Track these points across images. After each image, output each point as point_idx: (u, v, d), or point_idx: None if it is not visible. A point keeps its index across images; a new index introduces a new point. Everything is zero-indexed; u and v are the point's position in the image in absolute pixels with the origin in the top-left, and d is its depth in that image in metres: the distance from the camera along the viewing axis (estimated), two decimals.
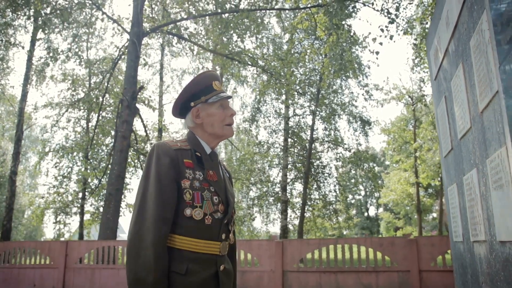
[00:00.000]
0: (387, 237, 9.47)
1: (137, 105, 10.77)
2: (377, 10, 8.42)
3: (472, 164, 2.74)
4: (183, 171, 1.61)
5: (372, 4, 8.83)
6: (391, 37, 7.90)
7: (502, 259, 2.22)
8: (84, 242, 9.14)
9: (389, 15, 8.11)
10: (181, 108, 1.77)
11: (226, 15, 11.19)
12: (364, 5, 8.55)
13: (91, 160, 16.00)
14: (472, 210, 2.80)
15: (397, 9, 10.16)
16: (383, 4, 8.39)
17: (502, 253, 2.21)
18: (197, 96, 1.72)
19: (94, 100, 12.42)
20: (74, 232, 22.75)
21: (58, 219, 17.89)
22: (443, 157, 3.85)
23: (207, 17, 11.68)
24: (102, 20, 11.75)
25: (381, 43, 7.96)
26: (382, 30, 7.98)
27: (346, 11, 8.27)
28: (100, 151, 15.77)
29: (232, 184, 1.88)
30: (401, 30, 8.71)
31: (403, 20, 10.28)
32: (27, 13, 13.20)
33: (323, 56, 12.80)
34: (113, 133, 15.11)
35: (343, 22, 8.61)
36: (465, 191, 2.96)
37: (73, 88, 15.36)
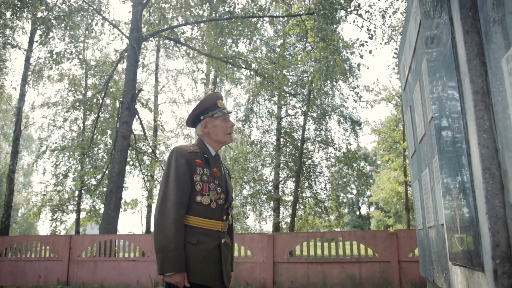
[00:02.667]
0: (369, 230, 10.11)
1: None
2: (363, 19, 9.03)
3: (426, 163, 3.34)
4: (195, 168, 2.18)
5: (358, 8, 9.40)
6: (370, 52, 8.54)
7: (442, 238, 2.82)
8: (87, 236, 9.65)
9: (369, 31, 8.76)
10: (193, 120, 2.35)
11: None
12: (351, 13, 9.15)
13: (87, 160, 16.43)
14: (427, 202, 3.41)
15: (383, 16, 10.80)
16: (363, 22, 8.98)
17: (442, 233, 2.81)
18: (205, 112, 2.30)
19: (94, 101, 12.89)
20: (69, 229, 23.14)
21: (55, 217, 18.22)
22: (410, 158, 4.47)
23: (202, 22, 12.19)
24: (102, 24, 12.22)
25: (361, 56, 8.57)
26: (362, 45, 8.62)
27: (331, 26, 8.80)
28: (98, 150, 16.22)
29: (230, 179, 2.47)
30: (383, 40, 9.35)
31: (388, 27, 10.92)
32: (26, 16, 13.63)
33: (313, 60, 13.36)
34: (109, 132, 15.62)
35: (332, 30, 9.18)
36: (423, 186, 3.57)
37: (73, 89, 15.80)
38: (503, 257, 1.40)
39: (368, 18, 8.96)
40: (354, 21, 9.01)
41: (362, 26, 8.72)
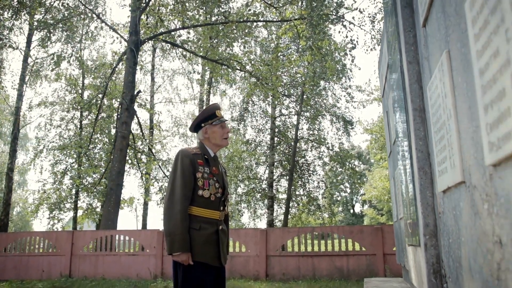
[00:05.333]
0: (356, 225, 10.61)
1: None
2: (348, 29, 9.52)
3: (399, 162, 3.83)
4: (197, 167, 2.64)
5: (343, 20, 9.87)
6: (352, 60, 9.07)
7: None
8: (88, 232, 10.06)
9: (352, 41, 9.27)
10: (195, 127, 2.80)
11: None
12: (337, 23, 9.63)
13: (84, 159, 16.80)
14: (398, 196, 3.89)
15: (372, 22, 11.29)
16: (347, 32, 9.43)
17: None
18: (206, 120, 2.76)
19: (94, 102, 13.29)
20: (65, 227, 23.49)
21: (53, 214, 18.47)
22: (388, 157, 4.95)
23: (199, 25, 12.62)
24: (101, 28, 12.61)
25: (344, 64, 9.09)
26: (346, 53, 9.13)
27: (319, 35, 9.25)
28: (97, 149, 16.59)
29: (226, 176, 2.93)
30: (371, 46, 9.85)
31: (377, 32, 11.41)
32: (24, 19, 13.97)
33: (306, 62, 13.80)
34: (106, 132, 16.02)
35: (320, 39, 9.64)
36: (396, 183, 4.06)
37: (70, 89, 16.17)
38: (431, 234, 1.87)
39: (351, 28, 9.44)
40: (339, 32, 9.51)
41: (346, 36, 9.26)
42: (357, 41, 9.39)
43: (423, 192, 1.92)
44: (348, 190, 44.81)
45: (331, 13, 9.19)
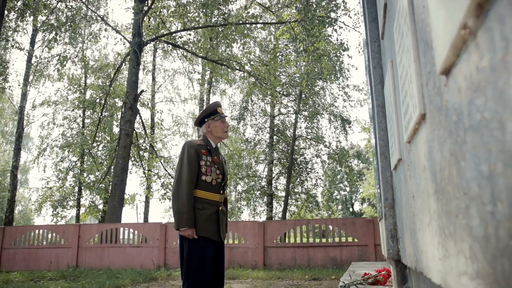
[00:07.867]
0: (349, 218, 11.06)
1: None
2: (346, 26, 9.97)
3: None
4: (201, 156, 3.09)
5: (334, 24, 10.28)
6: (342, 62, 9.54)
7: None
8: (94, 225, 10.51)
9: (342, 45, 9.72)
10: (200, 122, 3.26)
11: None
12: (329, 27, 10.06)
13: (86, 157, 17.24)
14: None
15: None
16: (338, 36, 9.89)
17: None
18: (209, 116, 3.22)
19: (98, 101, 13.73)
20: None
21: (56, 211, 18.84)
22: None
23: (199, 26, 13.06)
24: (105, 30, 13.05)
25: (338, 66, 9.56)
26: (338, 56, 9.59)
27: (312, 38, 9.66)
28: (101, 147, 17.02)
29: (226, 164, 3.38)
30: (362, 48, 10.28)
31: None
32: (29, 20, 14.42)
33: (303, 62, 14.24)
34: (107, 129, 16.48)
35: (312, 42, 10.06)
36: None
37: (73, 88, 16.62)
38: (389, 206, 2.33)
39: (343, 31, 9.90)
40: (330, 35, 9.93)
41: (337, 40, 9.73)
42: (347, 44, 9.87)
43: (383, 173, 2.38)
44: (348, 189, 45.21)
45: (324, 16, 9.61)
